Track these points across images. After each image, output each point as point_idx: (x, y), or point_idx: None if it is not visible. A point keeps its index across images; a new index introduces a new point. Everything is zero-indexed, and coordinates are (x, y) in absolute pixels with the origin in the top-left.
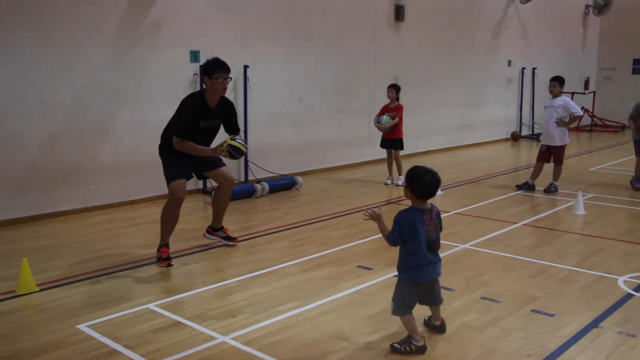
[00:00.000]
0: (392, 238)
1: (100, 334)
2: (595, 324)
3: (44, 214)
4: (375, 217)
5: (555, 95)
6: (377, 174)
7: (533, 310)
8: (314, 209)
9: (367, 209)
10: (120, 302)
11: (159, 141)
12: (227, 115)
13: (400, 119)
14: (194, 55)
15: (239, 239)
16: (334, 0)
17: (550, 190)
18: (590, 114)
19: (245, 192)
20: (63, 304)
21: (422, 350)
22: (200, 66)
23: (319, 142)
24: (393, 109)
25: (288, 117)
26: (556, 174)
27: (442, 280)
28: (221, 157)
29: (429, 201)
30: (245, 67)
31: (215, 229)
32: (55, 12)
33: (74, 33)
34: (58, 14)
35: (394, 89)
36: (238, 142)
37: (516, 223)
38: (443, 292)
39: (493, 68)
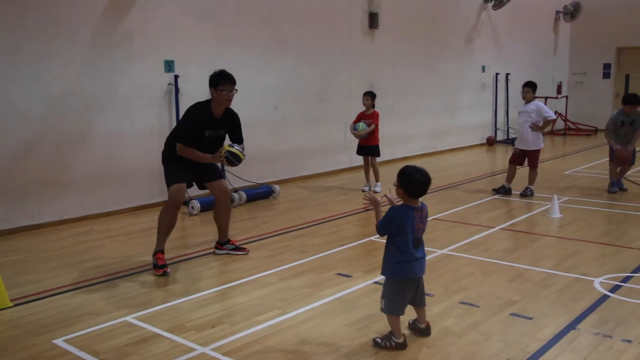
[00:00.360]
0: (380, 228)
1: (77, 348)
2: (572, 325)
3: (17, 227)
4: (374, 203)
5: (528, 100)
6: (354, 180)
7: (512, 314)
8: (292, 217)
9: (367, 194)
10: (97, 315)
11: (135, 151)
12: (232, 126)
13: (376, 126)
14: (169, 65)
15: (217, 249)
16: (309, 8)
17: (526, 194)
18: (564, 118)
19: None
20: (38, 319)
21: (402, 346)
22: (209, 76)
23: (295, 150)
24: (369, 116)
25: (264, 125)
26: (532, 178)
27: None
28: (219, 165)
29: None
30: None
31: (222, 243)
32: (28, 20)
33: (47, 41)
34: (31, 21)
35: (370, 96)
36: (236, 149)
37: (493, 227)
38: None
39: (467, 74)
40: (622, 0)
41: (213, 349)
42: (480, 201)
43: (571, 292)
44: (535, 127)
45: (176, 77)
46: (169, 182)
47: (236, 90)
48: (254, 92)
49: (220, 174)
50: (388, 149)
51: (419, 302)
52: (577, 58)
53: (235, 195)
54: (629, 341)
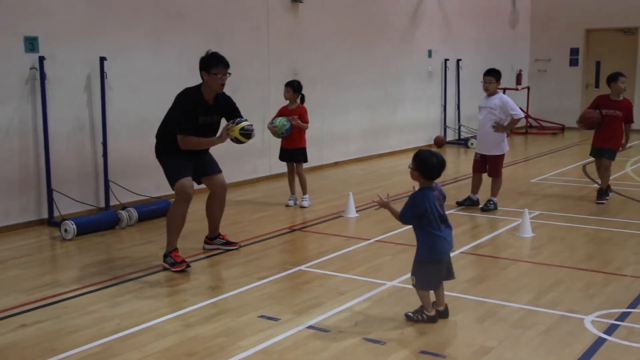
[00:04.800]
0: (405, 216)
1: None
2: None
3: None
4: (384, 205)
5: (491, 93)
6: (275, 193)
7: None
8: (197, 242)
9: (375, 198)
10: None
11: None
12: (228, 110)
13: (307, 122)
14: (31, 43)
15: (98, 285)
16: None
17: (488, 208)
18: (525, 114)
19: (106, 222)
20: None
21: (433, 319)
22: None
23: None
24: (292, 112)
25: (160, 123)
26: (494, 189)
27: (370, 332)
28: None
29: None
30: (102, 59)
31: (212, 238)
32: None
33: None
34: None
35: (291, 87)
36: (242, 131)
37: (452, 251)
38: (371, 346)
39: (410, 59)
40: None
41: None
42: None
43: (558, 334)
44: (499, 128)
45: (41, 58)
46: (175, 177)
47: (229, 73)
48: (146, 81)
49: (219, 168)
50: (315, 153)
51: (450, 276)
52: (540, 42)
53: (123, 213)
54: None
